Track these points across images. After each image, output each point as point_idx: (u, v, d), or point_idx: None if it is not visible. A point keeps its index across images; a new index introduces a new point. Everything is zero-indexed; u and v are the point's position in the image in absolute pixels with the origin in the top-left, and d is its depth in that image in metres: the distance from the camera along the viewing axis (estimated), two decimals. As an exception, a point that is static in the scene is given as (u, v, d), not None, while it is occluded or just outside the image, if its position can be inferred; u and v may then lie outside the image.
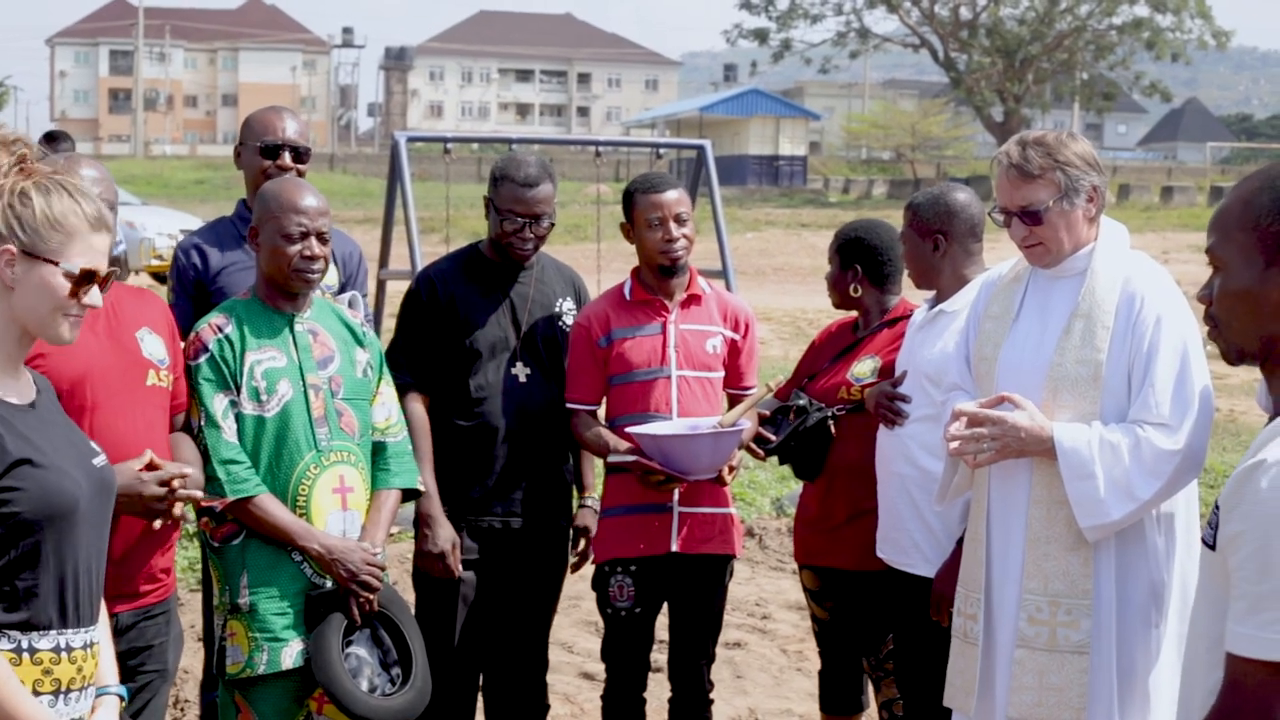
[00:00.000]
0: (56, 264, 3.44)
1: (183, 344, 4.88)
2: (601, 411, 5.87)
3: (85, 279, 3.48)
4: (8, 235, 3.41)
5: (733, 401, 5.86)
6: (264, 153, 5.72)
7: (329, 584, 4.84)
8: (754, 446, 5.77)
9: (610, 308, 5.79)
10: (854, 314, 5.99)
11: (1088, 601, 4.56)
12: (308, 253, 4.87)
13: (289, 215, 4.87)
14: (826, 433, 5.73)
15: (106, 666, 3.66)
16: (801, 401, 5.77)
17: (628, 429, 5.63)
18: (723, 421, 5.61)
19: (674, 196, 5.70)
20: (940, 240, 5.49)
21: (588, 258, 18.17)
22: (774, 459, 5.87)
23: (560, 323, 5.87)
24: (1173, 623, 4.64)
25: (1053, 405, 4.60)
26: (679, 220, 5.69)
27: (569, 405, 5.80)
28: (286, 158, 5.73)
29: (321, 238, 4.91)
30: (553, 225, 5.79)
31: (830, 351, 5.96)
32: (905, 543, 5.42)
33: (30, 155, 3.48)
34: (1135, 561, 4.60)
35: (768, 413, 5.83)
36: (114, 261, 4.37)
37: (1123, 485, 4.46)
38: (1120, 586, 4.59)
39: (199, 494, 4.56)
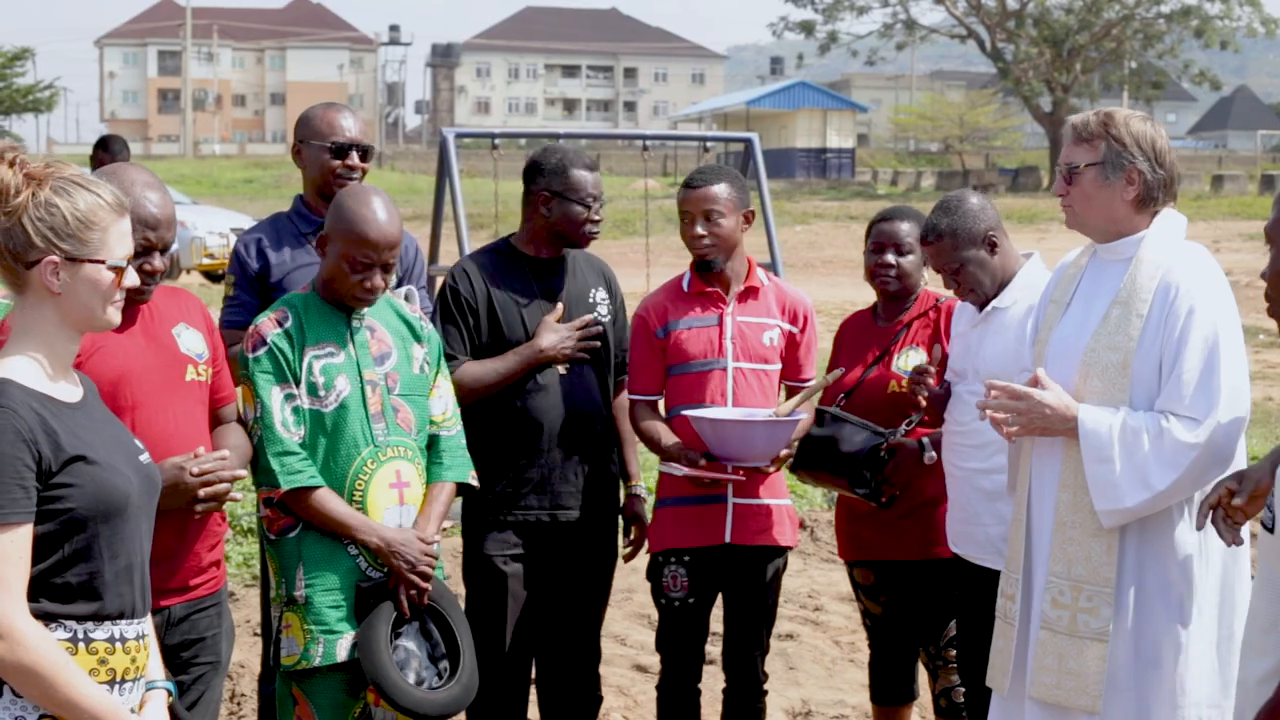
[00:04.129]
0: (102, 261, 3.48)
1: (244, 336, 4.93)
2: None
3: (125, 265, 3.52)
4: (45, 247, 3.43)
5: (790, 394, 5.87)
6: (334, 153, 5.75)
7: (382, 576, 4.87)
8: (856, 493, 5.75)
9: (668, 299, 5.84)
10: (866, 304, 6.07)
11: (1109, 590, 4.56)
12: (369, 284, 4.88)
13: (359, 247, 4.85)
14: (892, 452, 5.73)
15: (155, 660, 3.71)
16: (887, 437, 5.70)
17: (684, 411, 5.66)
18: (778, 412, 5.63)
19: (704, 193, 5.70)
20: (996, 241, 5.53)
21: (636, 252, 18.23)
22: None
23: (596, 314, 5.90)
24: (1209, 616, 4.63)
25: (1083, 390, 4.61)
26: (706, 216, 5.69)
27: (629, 396, 5.86)
28: (354, 157, 5.76)
29: (386, 268, 4.91)
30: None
31: (857, 344, 5.97)
32: (980, 537, 5.43)
33: (23, 160, 3.48)
34: (1160, 553, 4.58)
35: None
36: (152, 273, 4.44)
37: (1140, 473, 4.45)
38: (1143, 577, 4.58)
39: (240, 473, 4.62)
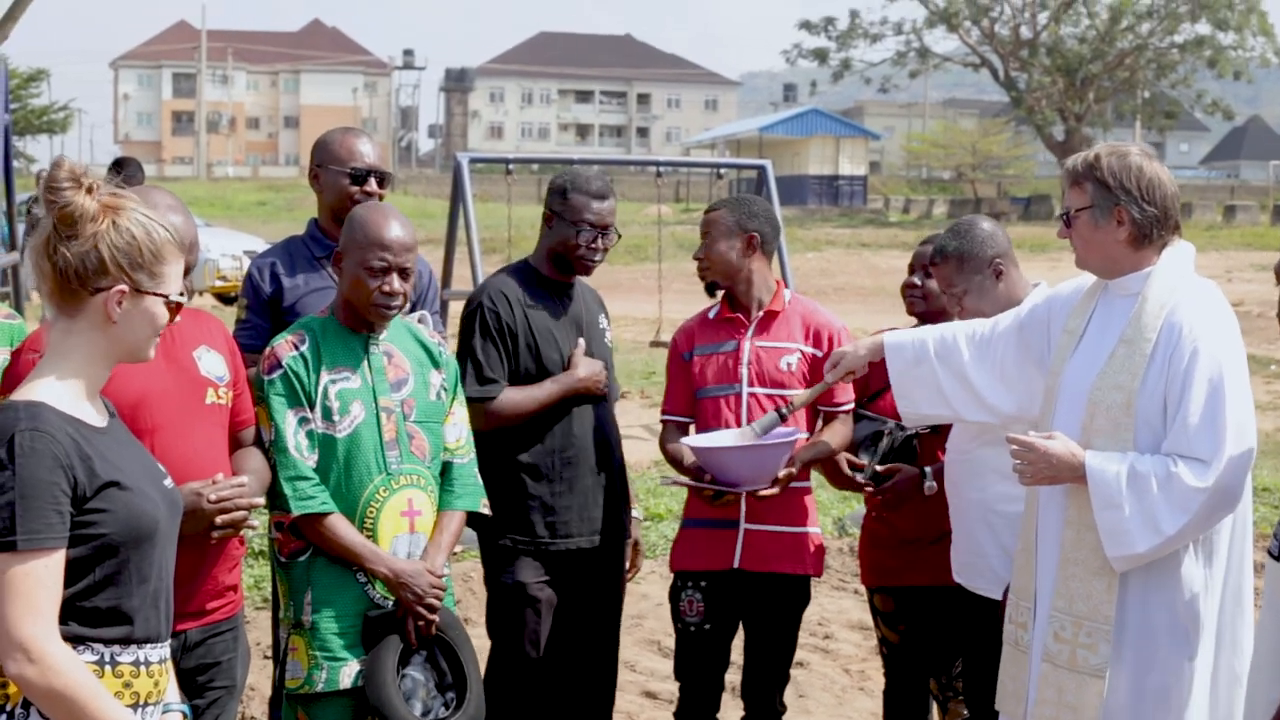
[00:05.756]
0: (166, 296, 3.52)
1: (254, 359, 4.95)
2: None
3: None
4: (117, 275, 3.46)
5: (828, 419, 5.87)
6: (353, 179, 5.77)
7: (391, 605, 4.87)
8: (856, 477, 5.77)
9: (697, 325, 5.94)
10: (904, 324, 6.08)
11: (1108, 627, 4.54)
12: (387, 288, 4.88)
13: (374, 249, 4.88)
14: (912, 452, 5.74)
15: (171, 683, 3.72)
16: (888, 425, 5.76)
17: (683, 439, 5.74)
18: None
19: (703, 219, 5.90)
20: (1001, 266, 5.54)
21: (649, 278, 18.24)
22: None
23: (605, 339, 5.95)
24: (1210, 650, 4.60)
25: (1090, 429, 4.59)
26: (703, 239, 5.89)
27: (661, 418, 5.96)
28: (372, 183, 5.78)
29: (404, 273, 4.92)
30: (619, 237, 5.90)
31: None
32: (982, 566, 5.43)
33: (98, 185, 3.53)
34: (1164, 591, 4.55)
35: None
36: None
37: (1149, 518, 4.42)
38: (1146, 615, 4.55)
39: (258, 501, 4.64)
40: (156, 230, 3.51)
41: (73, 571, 3.38)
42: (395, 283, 4.90)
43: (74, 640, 3.39)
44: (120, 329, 3.50)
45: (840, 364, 5.43)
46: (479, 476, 5.23)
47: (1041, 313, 5.03)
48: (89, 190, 3.48)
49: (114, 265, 3.45)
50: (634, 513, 6.14)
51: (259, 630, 8.06)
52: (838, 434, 5.82)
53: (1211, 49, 67.25)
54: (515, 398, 5.65)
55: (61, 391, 3.47)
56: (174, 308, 3.54)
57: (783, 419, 5.60)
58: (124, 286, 3.47)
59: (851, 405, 5.88)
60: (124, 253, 3.46)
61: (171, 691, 3.70)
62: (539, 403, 5.66)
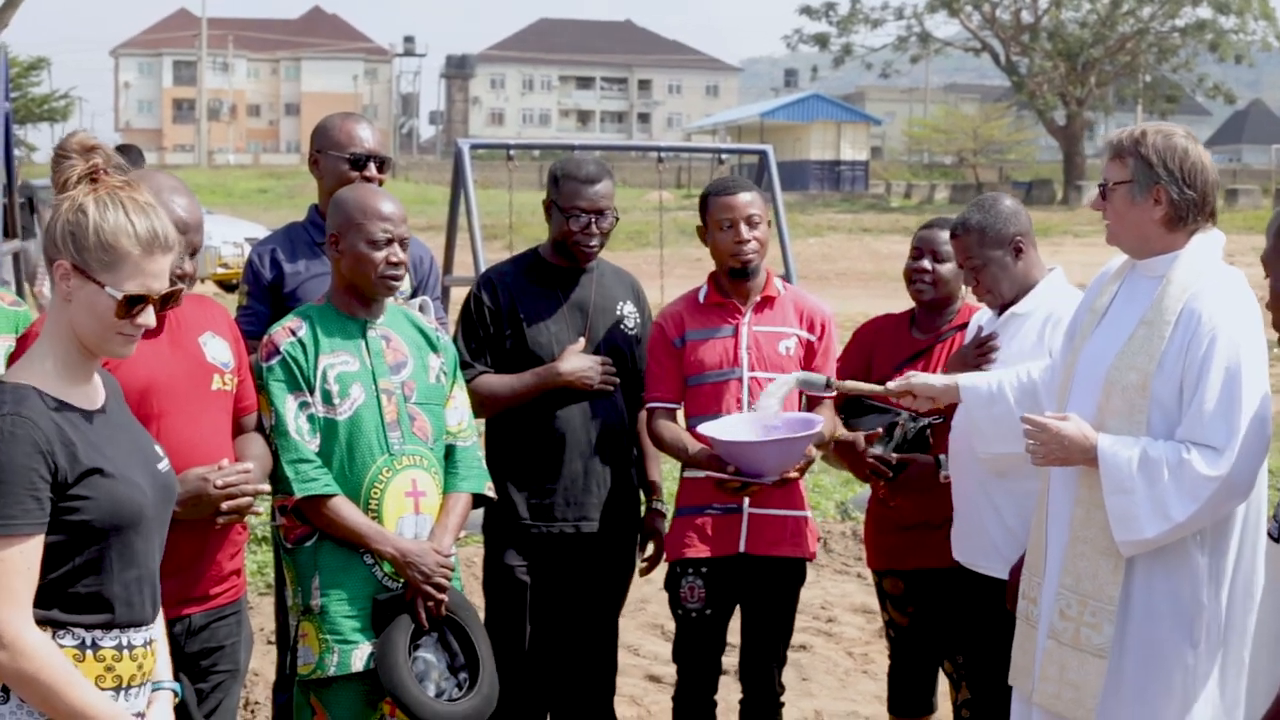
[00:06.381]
0: (103, 286, 3.47)
1: (255, 345, 4.97)
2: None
3: (132, 303, 3.49)
4: (63, 249, 3.45)
5: (811, 405, 5.86)
6: (352, 164, 5.78)
7: (399, 587, 4.87)
8: (881, 466, 5.73)
9: (686, 310, 5.84)
10: (901, 309, 6.10)
11: (1112, 607, 4.54)
12: (394, 259, 4.90)
13: (375, 222, 4.90)
14: (925, 441, 5.74)
15: (162, 663, 3.72)
16: (901, 416, 5.76)
17: (698, 427, 5.65)
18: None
19: (745, 199, 5.71)
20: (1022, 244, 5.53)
21: (650, 264, 18.26)
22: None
23: (622, 326, 5.90)
24: (1217, 639, 4.57)
25: (1105, 408, 4.58)
26: (750, 222, 5.70)
27: (648, 405, 5.85)
28: (372, 168, 5.79)
29: (403, 244, 4.95)
30: (617, 220, 5.83)
31: (892, 353, 5.95)
32: (985, 544, 5.42)
33: (104, 166, 3.53)
34: (1170, 578, 4.53)
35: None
36: (181, 276, 4.44)
37: (1159, 504, 4.41)
38: (1150, 599, 4.55)
39: (263, 487, 4.65)
40: (114, 218, 3.47)
41: (54, 557, 3.38)
42: (399, 253, 4.93)
43: (54, 625, 3.40)
44: (73, 310, 3.48)
45: (911, 382, 5.38)
46: (483, 460, 5.23)
47: (1081, 311, 5.03)
48: (87, 161, 3.50)
49: (61, 238, 3.46)
50: (658, 504, 6.12)
51: (262, 616, 8.07)
52: (827, 421, 5.82)
53: (1213, 33, 67.23)
54: (490, 383, 5.68)
55: (51, 373, 3.47)
56: (121, 303, 3.47)
57: (827, 387, 5.59)
58: (64, 262, 3.46)
59: (835, 394, 5.87)
60: (71, 227, 3.46)
61: (162, 670, 3.71)
62: (514, 391, 5.68)
